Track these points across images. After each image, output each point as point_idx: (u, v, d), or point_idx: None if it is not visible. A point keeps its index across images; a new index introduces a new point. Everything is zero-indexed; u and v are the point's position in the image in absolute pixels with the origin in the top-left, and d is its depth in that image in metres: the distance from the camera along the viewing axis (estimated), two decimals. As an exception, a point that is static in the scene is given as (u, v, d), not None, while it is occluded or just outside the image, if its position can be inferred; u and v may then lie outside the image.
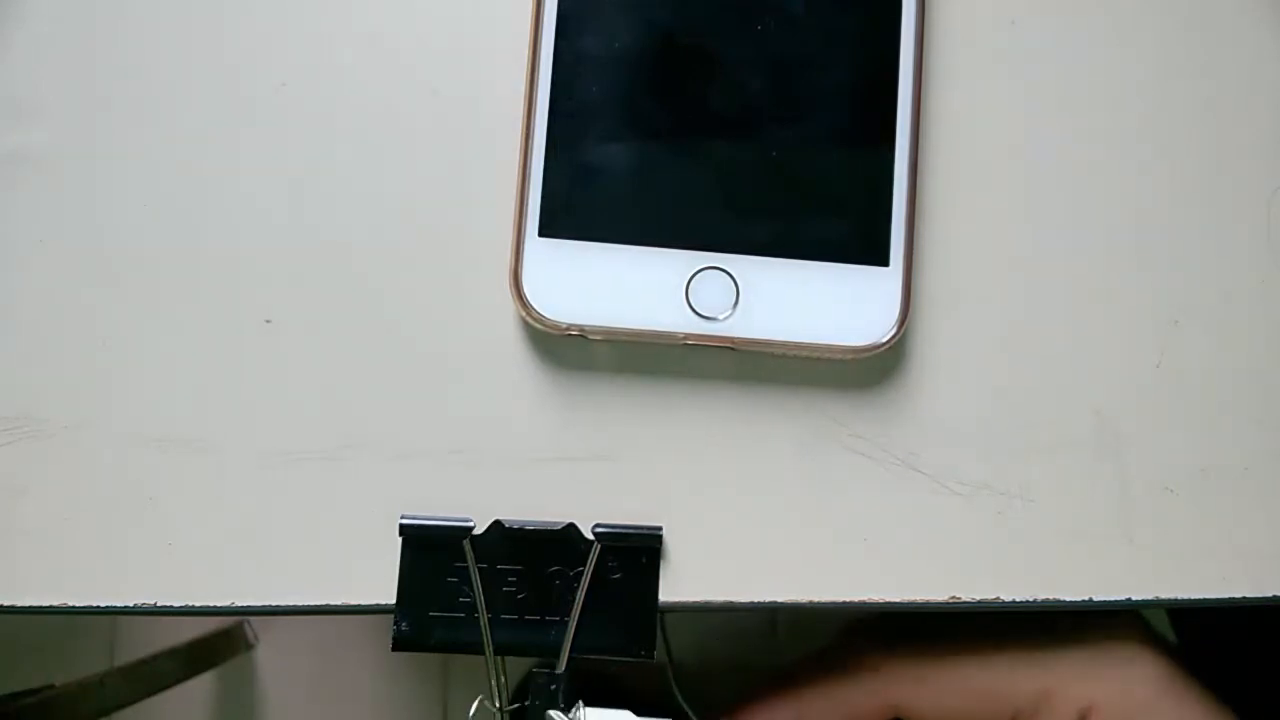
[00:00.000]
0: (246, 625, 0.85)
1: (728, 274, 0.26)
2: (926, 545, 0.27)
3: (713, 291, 0.26)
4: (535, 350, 0.27)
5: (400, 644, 0.26)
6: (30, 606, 0.26)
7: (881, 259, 0.27)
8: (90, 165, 0.27)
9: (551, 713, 0.25)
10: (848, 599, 0.27)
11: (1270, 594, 0.28)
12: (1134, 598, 0.27)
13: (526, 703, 0.26)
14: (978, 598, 0.27)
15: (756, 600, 0.27)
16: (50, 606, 0.26)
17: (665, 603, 0.27)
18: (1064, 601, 0.27)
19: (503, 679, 0.27)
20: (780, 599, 0.27)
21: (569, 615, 0.26)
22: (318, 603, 0.26)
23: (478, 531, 0.26)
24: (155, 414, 0.27)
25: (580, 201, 0.26)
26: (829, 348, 0.26)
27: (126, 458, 0.26)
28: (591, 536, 0.27)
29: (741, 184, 0.27)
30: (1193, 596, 0.27)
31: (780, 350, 0.27)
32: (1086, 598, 0.27)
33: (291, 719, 0.86)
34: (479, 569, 0.26)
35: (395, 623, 0.26)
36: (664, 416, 0.27)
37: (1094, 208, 0.28)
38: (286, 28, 0.28)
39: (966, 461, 0.28)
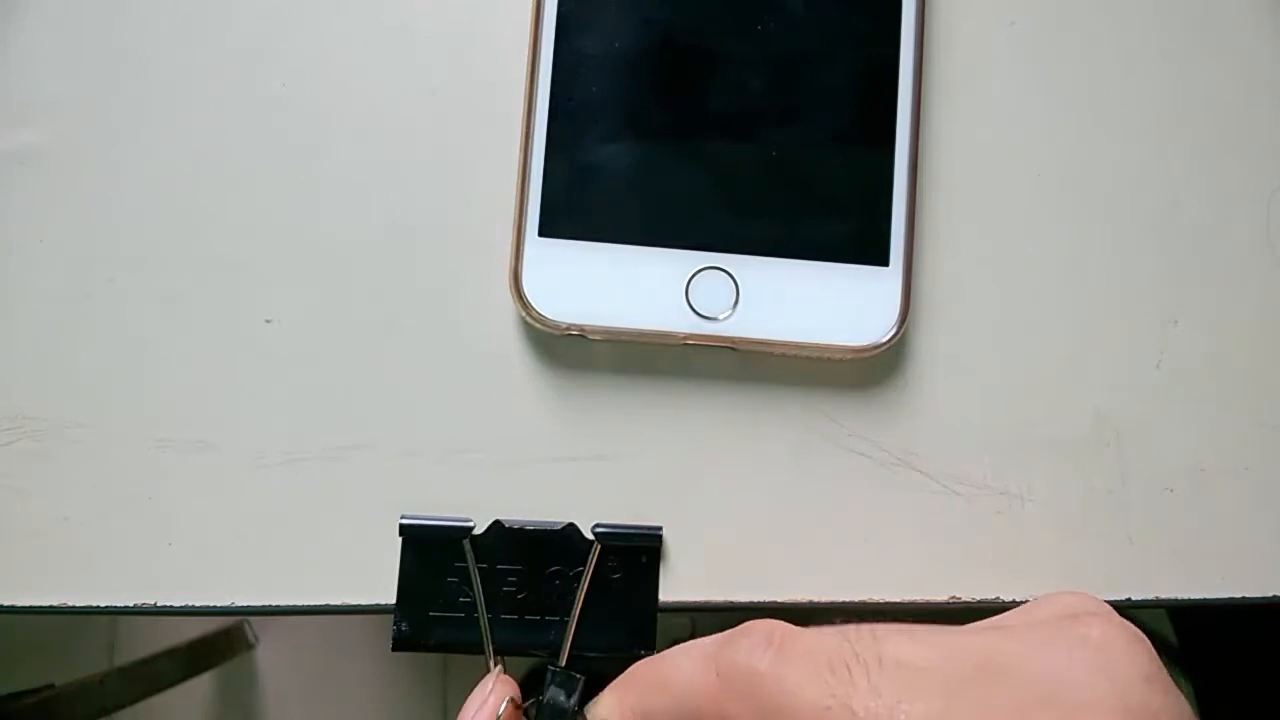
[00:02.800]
0: (246, 625, 0.85)
1: (728, 274, 0.26)
2: (926, 545, 0.27)
3: (713, 291, 0.26)
4: (535, 350, 0.27)
5: (400, 644, 0.26)
6: (30, 606, 0.26)
7: (881, 259, 0.27)
8: (90, 165, 0.27)
9: None
10: (848, 599, 0.27)
11: (1270, 594, 0.28)
12: (1134, 597, 0.27)
13: (542, 698, 0.26)
14: (978, 598, 0.27)
15: (756, 600, 0.27)
16: (50, 606, 0.26)
17: (665, 602, 0.27)
18: (1064, 601, 0.27)
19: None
20: (780, 599, 0.27)
21: (569, 615, 0.26)
22: (318, 603, 0.26)
23: (478, 531, 0.26)
24: (155, 414, 0.27)
25: (580, 201, 0.26)
26: (829, 348, 0.26)
27: (126, 458, 0.26)
28: (591, 536, 0.26)
29: (741, 184, 0.27)
30: (1193, 596, 0.28)
31: (780, 350, 0.27)
32: (1086, 598, 0.27)
33: (291, 719, 0.86)
34: (479, 569, 0.26)
35: (395, 623, 0.26)
36: (664, 416, 0.27)
37: (1094, 207, 0.28)
38: (286, 28, 0.28)
39: (966, 461, 0.28)
